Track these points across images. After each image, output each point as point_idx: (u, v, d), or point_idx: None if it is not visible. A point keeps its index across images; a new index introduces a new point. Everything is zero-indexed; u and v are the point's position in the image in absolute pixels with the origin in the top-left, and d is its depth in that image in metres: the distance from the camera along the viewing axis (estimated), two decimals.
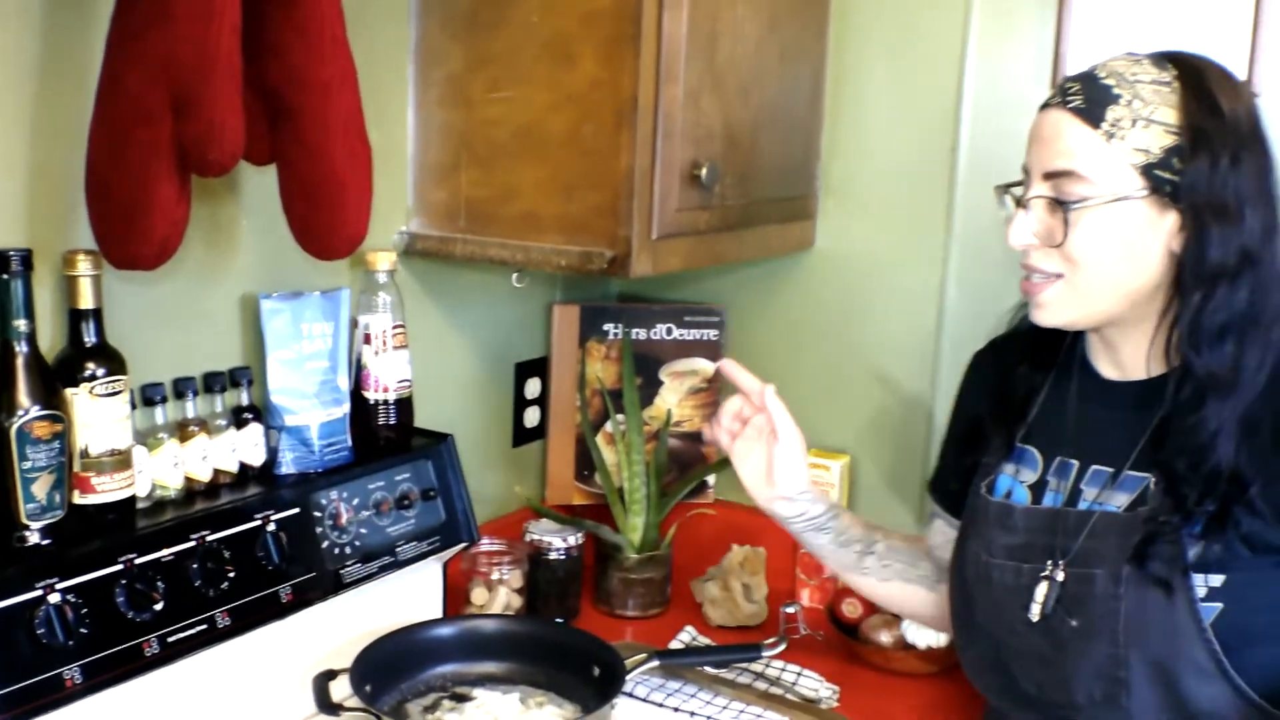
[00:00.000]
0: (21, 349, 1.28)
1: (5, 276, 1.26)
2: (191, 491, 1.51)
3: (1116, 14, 1.90)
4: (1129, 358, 1.43)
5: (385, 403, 1.72)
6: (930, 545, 1.69)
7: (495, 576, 1.89)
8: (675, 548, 2.10)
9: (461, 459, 1.79)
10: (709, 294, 2.26)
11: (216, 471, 1.53)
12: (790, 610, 1.98)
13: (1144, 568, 1.33)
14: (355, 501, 1.63)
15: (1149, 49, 1.38)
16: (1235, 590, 1.32)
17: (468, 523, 1.78)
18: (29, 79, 1.35)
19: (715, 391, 2.23)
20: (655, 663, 1.69)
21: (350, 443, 1.67)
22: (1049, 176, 1.35)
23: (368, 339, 1.70)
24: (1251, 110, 1.34)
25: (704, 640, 1.94)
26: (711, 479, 2.25)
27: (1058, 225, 1.34)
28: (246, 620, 1.47)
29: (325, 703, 1.49)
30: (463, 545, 1.79)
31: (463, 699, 1.62)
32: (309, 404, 1.62)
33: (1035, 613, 1.41)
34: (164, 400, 1.48)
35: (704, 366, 2.22)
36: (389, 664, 1.60)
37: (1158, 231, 1.32)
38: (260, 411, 1.59)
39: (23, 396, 1.27)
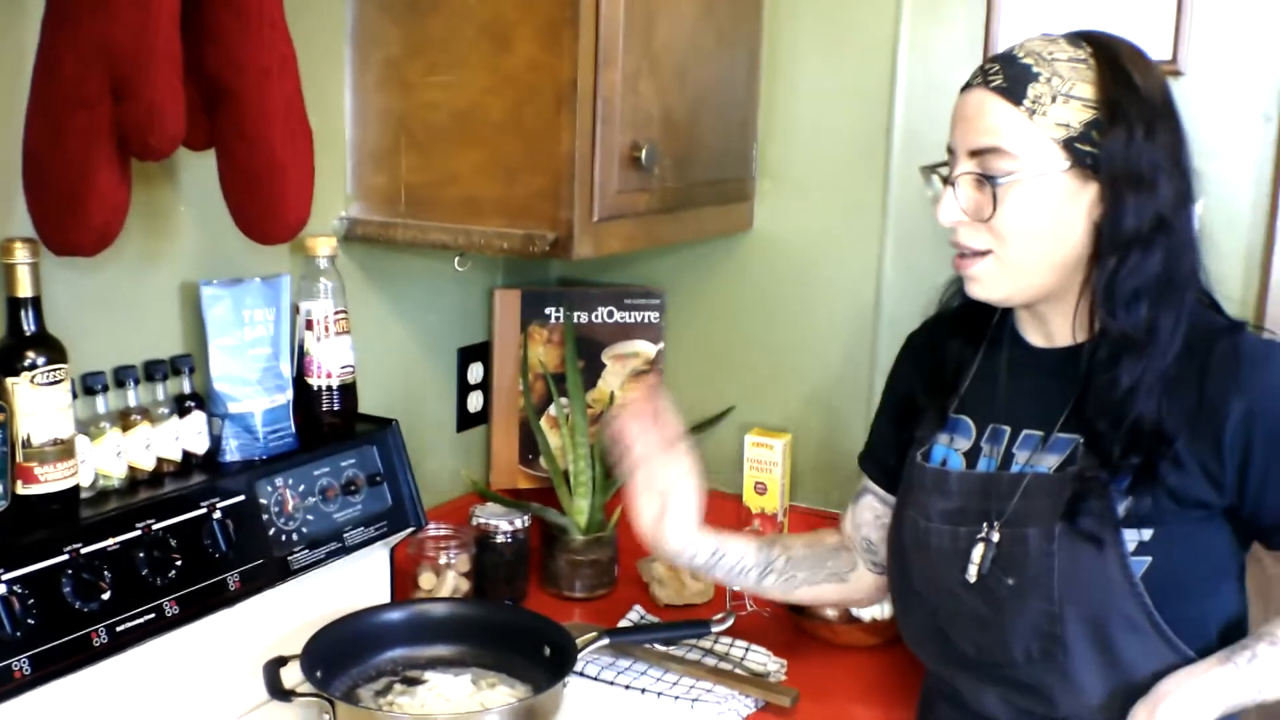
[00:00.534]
0: None
1: None
2: (135, 481, 1.50)
3: None
4: (1057, 327, 1.47)
5: (329, 389, 1.71)
6: (856, 523, 1.71)
7: (443, 561, 1.89)
8: (621, 529, 2.10)
9: (406, 444, 1.79)
10: (648, 277, 2.27)
11: (160, 460, 1.53)
12: (737, 587, 1.99)
13: (1075, 524, 1.37)
14: (301, 488, 1.62)
15: (1069, 29, 1.41)
16: (1164, 544, 1.36)
17: (414, 508, 1.78)
18: None
19: (658, 374, 2.24)
20: (606, 641, 1.70)
21: (294, 429, 1.66)
22: (974, 154, 1.38)
23: (309, 325, 1.70)
24: (1163, 85, 1.38)
25: (652, 619, 1.96)
26: None
27: (985, 201, 1.37)
28: (195, 609, 1.46)
29: (277, 689, 1.49)
30: (410, 530, 1.79)
31: (414, 682, 1.62)
32: (252, 391, 1.61)
33: (972, 574, 1.44)
34: (105, 389, 1.47)
35: (645, 349, 2.23)
36: (339, 649, 1.60)
37: (1080, 203, 1.36)
38: (203, 399, 1.58)
39: None
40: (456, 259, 1.92)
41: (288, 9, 1.38)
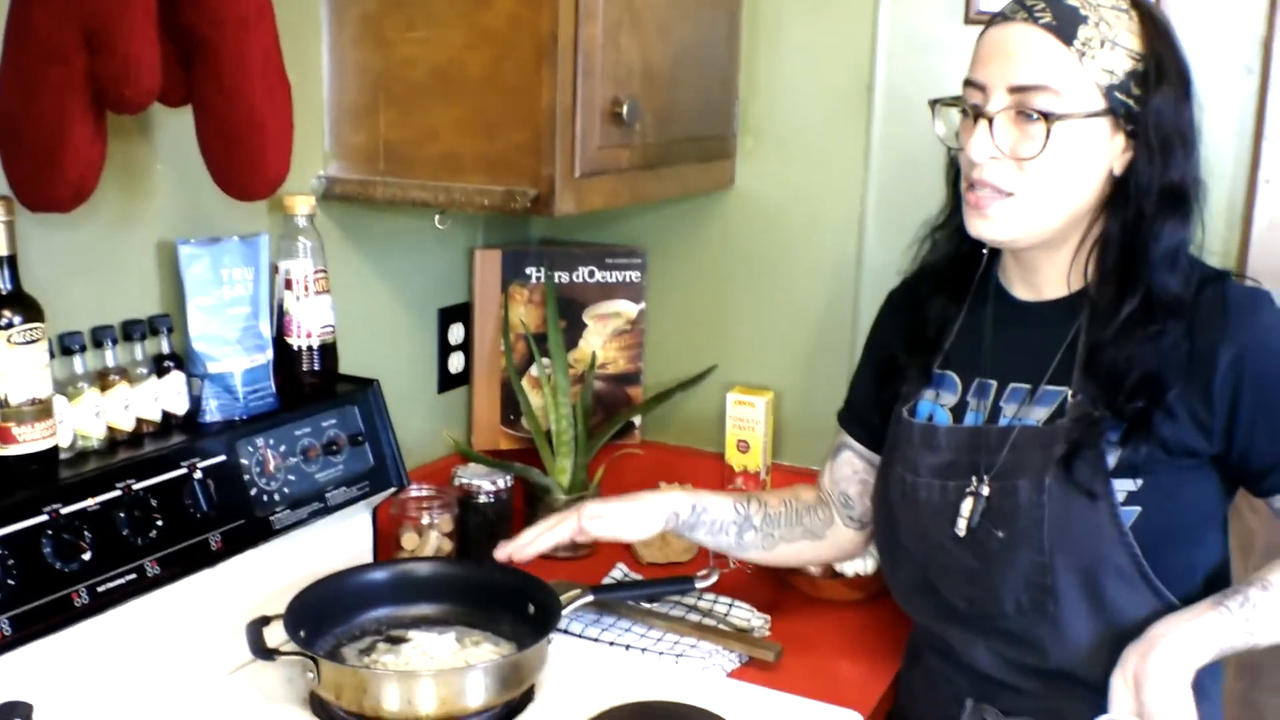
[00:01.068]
0: None
1: None
2: (114, 441, 1.49)
3: None
4: (1046, 279, 1.47)
5: (309, 349, 1.70)
6: (835, 478, 1.72)
7: (425, 521, 1.88)
8: (604, 488, 2.11)
9: (387, 405, 1.78)
10: (630, 236, 2.26)
11: (139, 421, 1.51)
12: None
13: (1069, 475, 1.38)
14: (282, 448, 1.61)
15: None
16: (1153, 494, 1.38)
17: (396, 467, 1.78)
18: None
19: (639, 333, 2.24)
20: (590, 598, 1.70)
21: (274, 389, 1.65)
22: (1016, 90, 1.35)
23: (289, 284, 1.68)
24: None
25: (636, 577, 1.96)
26: (638, 420, 2.27)
27: (1027, 138, 1.35)
28: (176, 569, 1.45)
29: (260, 648, 1.49)
30: (392, 490, 1.78)
31: (398, 641, 1.62)
32: (231, 351, 1.60)
33: (962, 528, 1.45)
34: (83, 349, 1.45)
35: (627, 309, 2.23)
36: (323, 609, 1.59)
37: (1106, 153, 1.37)
38: (182, 359, 1.57)
39: None
40: (437, 216, 1.91)
41: None
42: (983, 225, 1.41)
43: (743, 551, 1.73)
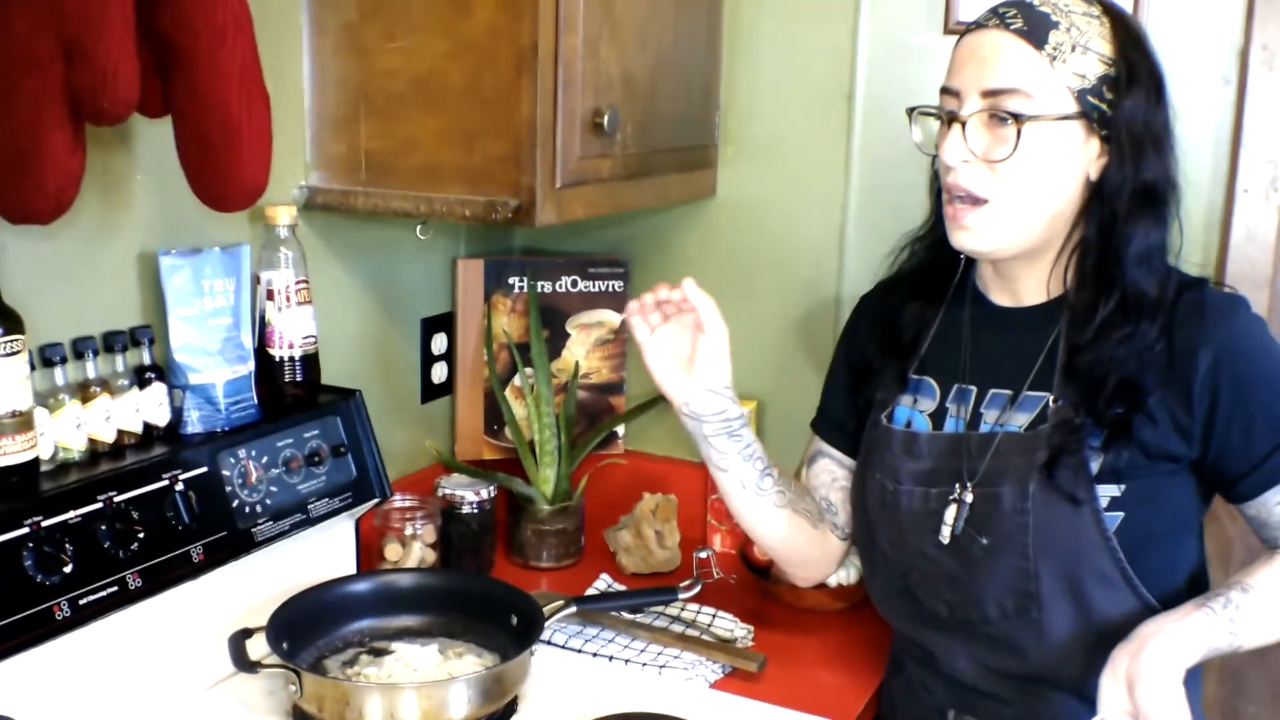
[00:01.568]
0: None
1: None
2: (96, 453, 1.48)
3: None
4: (1025, 285, 1.48)
5: (291, 359, 1.70)
6: (813, 486, 1.71)
7: (408, 531, 1.88)
8: (587, 498, 2.11)
9: (370, 416, 1.78)
10: (612, 245, 2.26)
11: (120, 432, 1.51)
12: (703, 555, 2.00)
13: (1052, 481, 1.39)
14: (264, 459, 1.61)
15: None
16: (1134, 498, 1.39)
17: (379, 478, 1.77)
18: None
19: (622, 343, 2.24)
20: (573, 609, 1.69)
21: (256, 400, 1.65)
22: (989, 94, 1.36)
23: (270, 295, 1.68)
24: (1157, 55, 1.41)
25: (619, 587, 1.96)
26: (621, 429, 2.27)
27: (1000, 141, 1.36)
28: (158, 581, 1.45)
29: (242, 661, 1.48)
30: (375, 501, 1.78)
31: (381, 653, 1.62)
32: (213, 362, 1.59)
33: (945, 535, 1.46)
34: (63, 361, 1.45)
35: (610, 318, 2.23)
36: (305, 621, 1.59)
37: (1081, 157, 1.38)
38: (163, 370, 1.56)
39: None
40: (418, 227, 1.91)
41: None
42: (964, 236, 1.42)
43: (758, 495, 1.60)
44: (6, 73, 1.21)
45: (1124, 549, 1.39)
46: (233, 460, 1.57)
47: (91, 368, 1.48)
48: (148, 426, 1.54)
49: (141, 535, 1.43)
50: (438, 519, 1.93)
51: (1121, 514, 1.39)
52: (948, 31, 1.95)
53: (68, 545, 1.35)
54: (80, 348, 1.47)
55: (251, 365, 1.64)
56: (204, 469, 1.53)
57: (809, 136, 2.08)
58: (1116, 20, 1.38)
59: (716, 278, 2.19)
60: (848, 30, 2.02)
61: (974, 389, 1.49)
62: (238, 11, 1.33)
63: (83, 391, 1.47)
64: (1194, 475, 1.43)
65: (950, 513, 1.46)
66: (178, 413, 1.57)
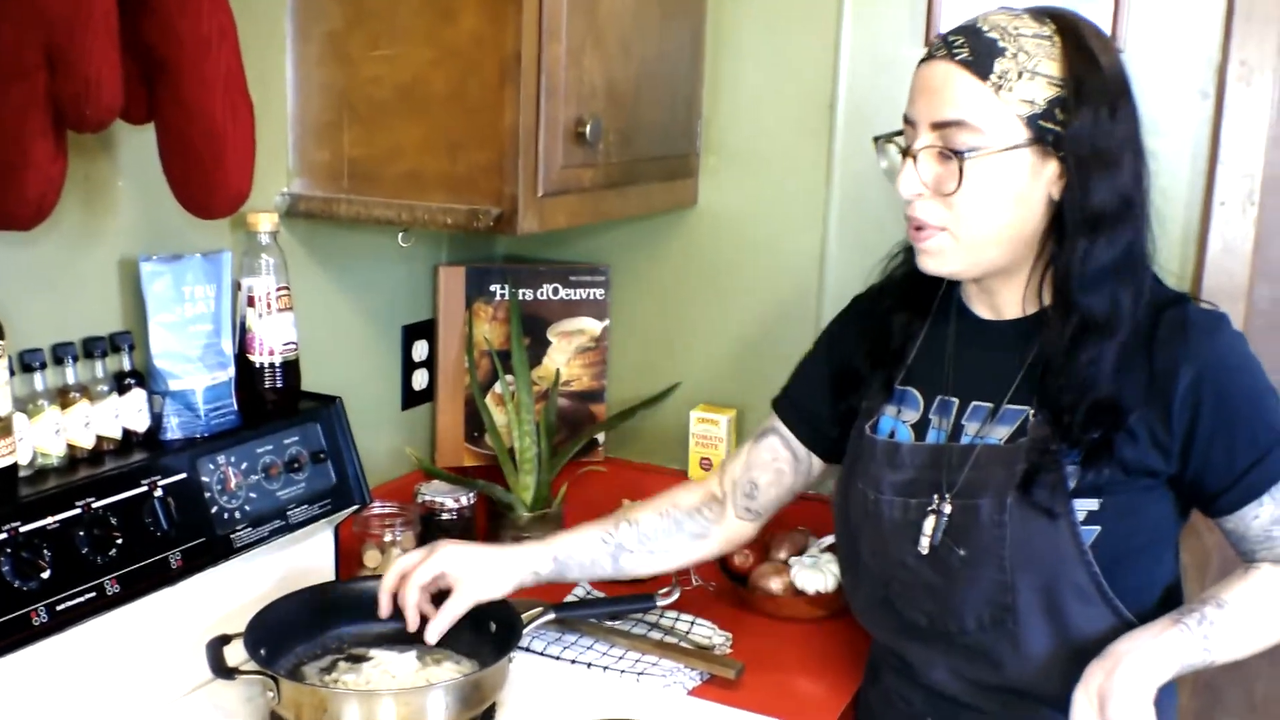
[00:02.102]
0: None
1: None
2: (75, 459, 1.48)
3: None
4: (1004, 300, 1.48)
5: (271, 366, 1.70)
6: (749, 463, 1.70)
7: (388, 538, 1.88)
8: (567, 505, 2.11)
9: (350, 422, 1.78)
10: (594, 254, 2.27)
11: (100, 438, 1.51)
12: None
13: (1029, 495, 1.39)
14: (244, 466, 1.61)
15: (1023, 4, 1.42)
16: (1111, 513, 1.39)
17: (359, 485, 1.77)
18: None
19: (603, 350, 2.25)
20: (551, 616, 1.70)
21: (236, 407, 1.65)
22: (937, 127, 1.37)
23: (251, 302, 1.68)
24: (1122, 65, 1.39)
25: (598, 595, 1.96)
26: (601, 437, 2.27)
27: (949, 175, 1.36)
28: (137, 587, 1.45)
29: (220, 667, 1.48)
30: (354, 508, 1.78)
31: (359, 660, 1.62)
32: (193, 368, 1.59)
33: (924, 545, 1.46)
34: (43, 366, 1.45)
35: (591, 326, 2.23)
36: (283, 627, 1.59)
37: (1039, 180, 1.37)
38: (143, 376, 1.56)
39: None
40: (400, 235, 1.91)
41: None
42: (927, 260, 1.43)
43: (623, 575, 1.72)
44: None
45: (1100, 563, 1.39)
46: (212, 466, 1.57)
47: (71, 373, 1.48)
48: (127, 432, 1.54)
49: (120, 541, 1.43)
50: (417, 526, 1.93)
51: (1098, 528, 1.39)
52: (928, 44, 1.96)
53: (46, 551, 1.35)
54: (60, 353, 1.47)
55: (232, 372, 1.64)
56: (183, 475, 1.53)
57: (791, 147, 2.09)
58: (1069, 38, 1.36)
59: (697, 287, 2.22)
60: (830, 42, 2.04)
61: (956, 401, 1.50)
62: (222, 21, 1.34)
63: (62, 397, 1.47)
64: (1172, 490, 1.43)
65: (929, 523, 1.46)
66: (157, 419, 1.58)
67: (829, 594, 1.89)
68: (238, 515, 1.59)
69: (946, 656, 1.50)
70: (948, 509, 1.45)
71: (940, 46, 1.38)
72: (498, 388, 2.17)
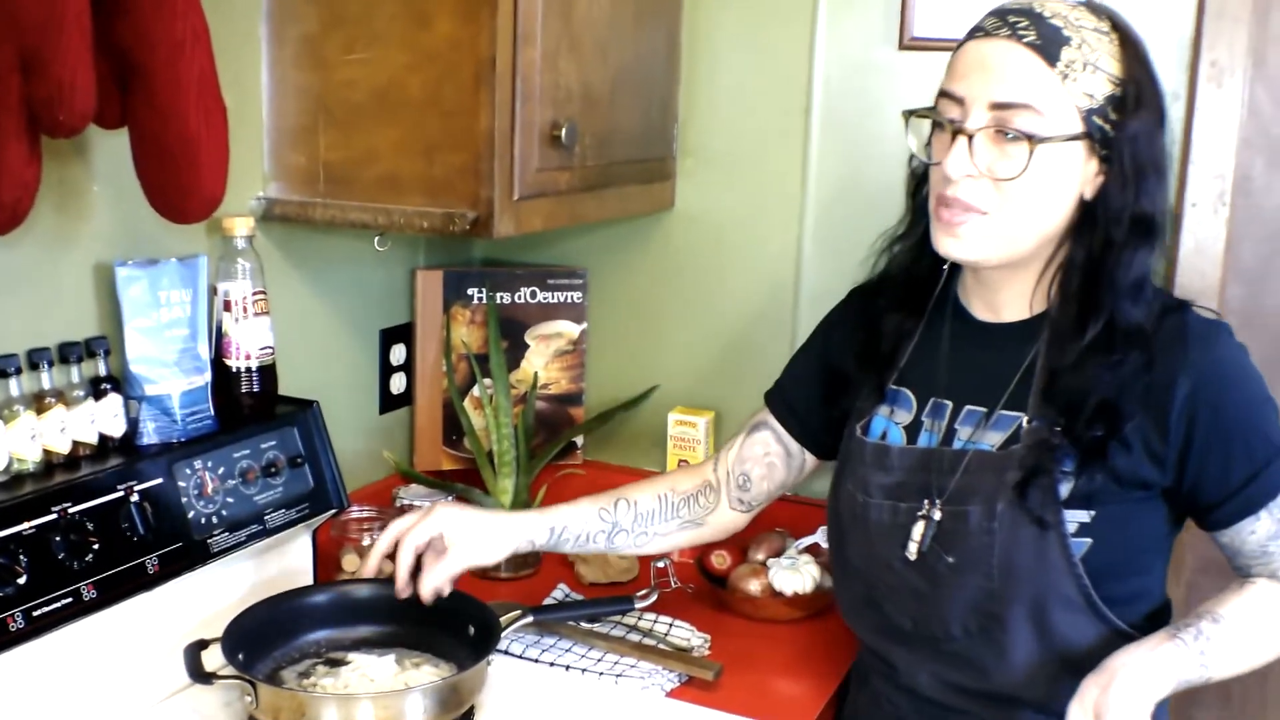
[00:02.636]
0: None
1: None
2: (50, 464, 1.47)
3: None
4: (1006, 300, 1.45)
5: (248, 370, 1.70)
6: (741, 456, 1.70)
7: (366, 542, 1.88)
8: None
9: (327, 427, 1.78)
10: (571, 257, 2.27)
11: (75, 443, 1.50)
12: (661, 564, 2.01)
13: (1022, 504, 1.36)
14: (220, 470, 1.61)
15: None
16: (1103, 525, 1.37)
17: (337, 489, 1.77)
18: None
19: (581, 353, 2.25)
20: (530, 619, 1.70)
21: (213, 411, 1.65)
22: (997, 107, 1.32)
23: (228, 306, 1.68)
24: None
25: (577, 597, 1.96)
26: (580, 440, 2.28)
27: (1008, 158, 1.32)
28: (113, 593, 1.44)
29: (198, 672, 1.47)
30: (332, 512, 1.78)
31: (337, 664, 1.62)
32: (169, 373, 1.59)
33: (913, 551, 1.44)
34: (18, 372, 1.44)
35: (569, 329, 2.24)
36: (261, 632, 1.58)
37: (1080, 177, 1.35)
38: (119, 381, 1.56)
39: None
40: (376, 239, 1.91)
41: None
42: (951, 244, 1.39)
43: (614, 551, 1.73)
44: None
45: (1091, 575, 1.37)
46: (189, 471, 1.57)
47: (47, 379, 1.48)
48: (103, 438, 1.53)
49: (96, 546, 1.42)
50: None
51: (1089, 540, 1.37)
52: (903, 48, 1.98)
53: (22, 556, 1.34)
54: (35, 359, 1.47)
55: (208, 376, 1.64)
56: (160, 480, 1.53)
57: (767, 150, 2.10)
58: (1125, 38, 1.34)
59: (674, 289, 2.22)
60: (804, 46, 2.05)
61: (949, 404, 1.47)
62: (196, 24, 1.34)
63: (38, 403, 1.46)
64: (1166, 502, 1.41)
65: (918, 529, 1.44)
66: (133, 424, 1.57)
67: (807, 595, 1.90)
68: (215, 520, 1.58)
69: (931, 661, 1.49)
70: (938, 515, 1.43)
71: (1000, 25, 1.34)
72: (476, 391, 2.17)
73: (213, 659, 1.50)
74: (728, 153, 2.13)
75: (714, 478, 1.74)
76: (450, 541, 1.59)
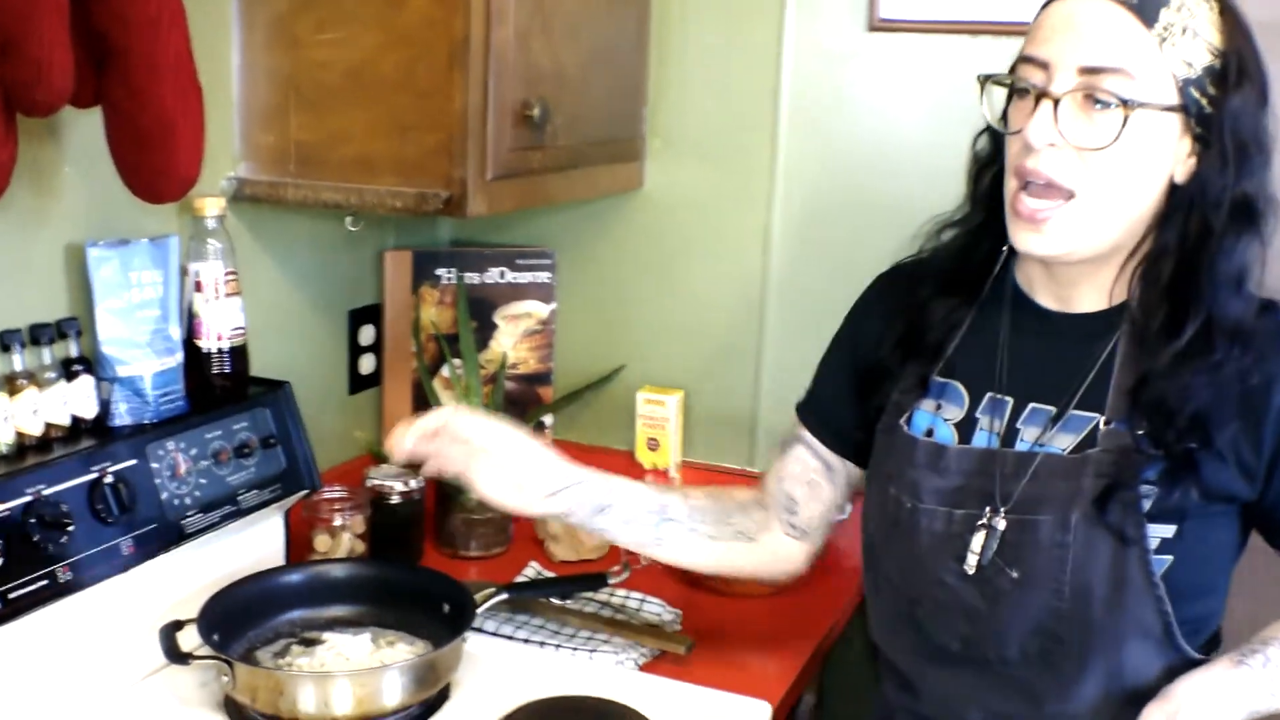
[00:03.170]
0: None
1: None
2: (23, 446, 1.47)
3: None
4: (1081, 292, 1.32)
5: (220, 351, 1.69)
6: (780, 475, 1.55)
7: (338, 523, 1.88)
8: None
9: (299, 407, 1.78)
10: (539, 237, 2.28)
11: (48, 425, 1.49)
12: None
13: (1102, 515, 1.25)
14: (193, 452, 1.60)
15: None
16: (1185, 541, 1.26)
17: (309, 470, 1.77)
18: None
19: (550, 334, 2.26)
20: (504, 596, 1.71)
21: (185, 392, 1.64)
22: (1087, 71, 1.19)
23: (199, 287, 1.67)
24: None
25: (549, 575, 1.98)
26: (549, 419, 2.29)
27: (1097, 126, 1.20)
28: (88, 574, 1.44)
29: (174, 652, 1.48)
30: (304, 493, 1.78)
31: (312, 643, 1.62)
32: (141, 354, 1.59)
33: (972, 564, 1.30)
34: None
35: (537, 309, 2.25)
36: (236, 612, 1.59)
37: (1172, 155, 1.23)
38: (91, 363, 1.55)
39: None
40: (349, 219, 1.91)
41: None
42: (1034, 240, 1.25)
43: (661, 548, 1.52)
44: None
45: (1170, 596, 1.26)
46: (161, 453, 1.56)
47: (18, 360, 1.47)
48: (75, 419, 1.53)
49: (71, 528, 1.42)
50: (367, 509, 1.93)
51: (1170, 558, 1.25)
52: (872, 29, 1.99)
53: None
54: (6, 340, 1.46)
55: (180, 357, 1.64)
56: (133, 461, 1.52)
57: (736, 132, 2.12)
58: (1225, 5, 1.21)
59: (643, 269, 2.23)
60: (773, 28, 2.06)
61: (1010, 401, 1.34)
62: (171, 3, 1.33)
63: (9, 385, 1.45)
64: (1241, 517, 1.31)
65: (978, 540, 1.30)
66: (105, 405, 1.57)
67: None
68: (188, 501, 1.58)
69: (975, 688, 1.36)
70: (1001, 524, 1.29)
71: None
72: (445, 371, 2.18)
73: (188, 639, 1.50)
74: (697, 134, 2.15)
75: (765, 498, 1.58)
76: (472, 478, 1.45)
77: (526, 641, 1.74)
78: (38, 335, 1.50)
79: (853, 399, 1.47)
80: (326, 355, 2.09)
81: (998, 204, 1.31)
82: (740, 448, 2.19)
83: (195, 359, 1.67)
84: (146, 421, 1.59)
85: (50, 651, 1.45)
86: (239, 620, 1.60)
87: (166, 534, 1.55)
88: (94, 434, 1.54)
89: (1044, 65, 1.21)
